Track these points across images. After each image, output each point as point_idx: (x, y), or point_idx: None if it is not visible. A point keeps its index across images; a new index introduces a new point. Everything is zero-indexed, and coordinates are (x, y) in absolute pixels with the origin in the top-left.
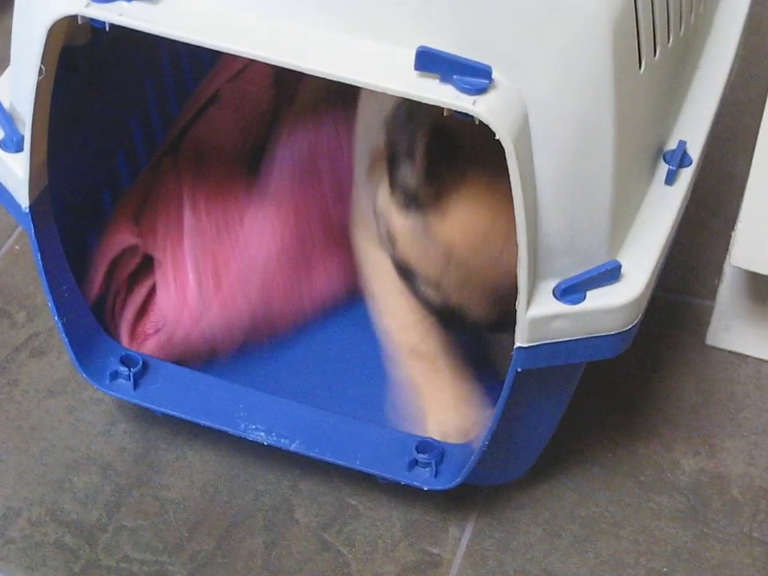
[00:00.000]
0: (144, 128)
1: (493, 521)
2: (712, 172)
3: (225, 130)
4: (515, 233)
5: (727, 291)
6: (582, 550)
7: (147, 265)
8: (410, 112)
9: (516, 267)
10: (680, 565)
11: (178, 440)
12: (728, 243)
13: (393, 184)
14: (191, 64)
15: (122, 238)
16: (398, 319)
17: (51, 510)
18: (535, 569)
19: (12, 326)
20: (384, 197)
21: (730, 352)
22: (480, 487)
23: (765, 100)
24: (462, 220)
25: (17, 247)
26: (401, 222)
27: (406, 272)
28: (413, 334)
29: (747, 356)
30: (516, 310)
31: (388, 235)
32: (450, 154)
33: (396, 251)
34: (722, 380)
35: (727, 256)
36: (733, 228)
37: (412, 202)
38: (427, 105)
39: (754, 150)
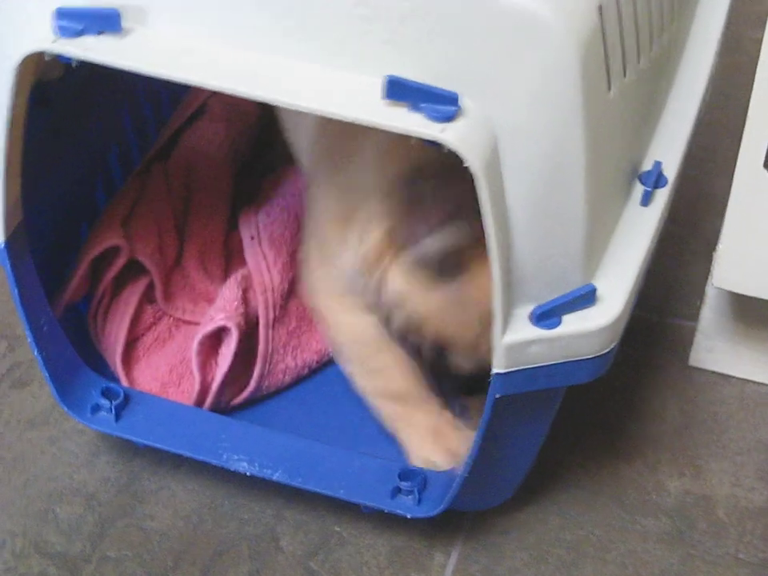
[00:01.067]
0: (122, 159)
1: (478, 546)
2: (692, 192)
3: (216, 142)
4: None
5: (709, 312)
6: (569, 574)
7: (133, 273)
8: (419, 194)
9: None
10: None
11: (162, 470)
12: (709, 263)
13: (414, 263)
14: (168, 92)
15: (105, 238)
16: (363, 365)
17: (35, 542)
18: None
19: None
20: (401, 282)
21: (714, 372)
22: (465, 513)
23: (743, 119)
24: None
25: None
26: (431, 299)
27: (439, 350)
28: (379, 378)
29: (731, 376)
30: None
31: (409, 321)
32: (467, 214)
33: (428, 332)
34: (705, 401)
35: (709, 277)
36: (714, 248)
37: (438, 274)
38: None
39: (733, 169)
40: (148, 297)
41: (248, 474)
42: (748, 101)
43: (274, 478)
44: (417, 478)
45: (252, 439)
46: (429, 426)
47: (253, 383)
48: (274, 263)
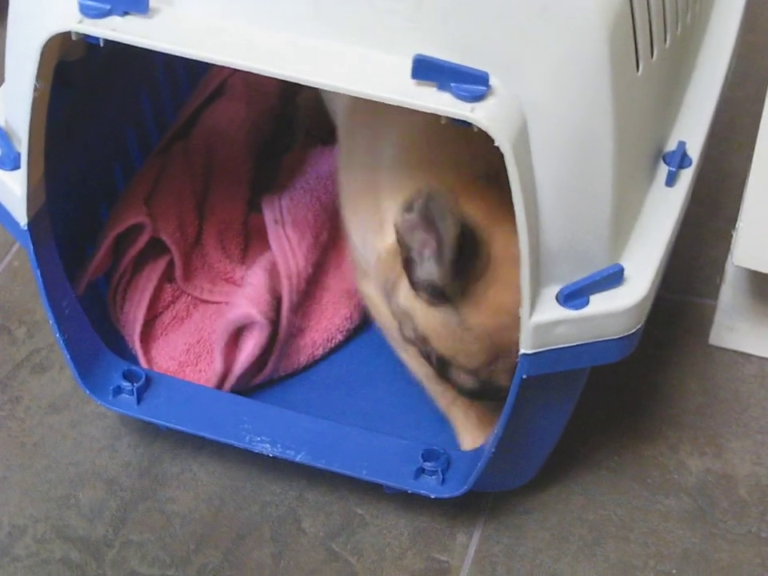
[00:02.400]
0: (141, 140)
1: (500, 526)
2: (711, 170)
3: (236, 122)
4: None
5: (729, 290)
6: (591, 554)
7: (154, 251)
8: (425, 214)
9: None
10: (689, 567)
11: (183, 453)
12: (729, 242)
13: (415, 284)
14: (187, 74)
15: (129, 215)
16: (403, 350)
17: (57, 527)
18: (544, 574)
19: (12, 343)
20: (406, 297)
21: (734, 351)
22: (486, 493)
23: (763, 97)
24: (494, 306)
25: (15, 263)
26: (431, 319)
27: (441, 362)
28: (421, 363)
29: (751, 355)
30: None
31: (416, 333)
32: (474, 246)
33: (429, 347)
34: (726, 380)
35: (729, 255)
36: (733, 226)
37: (440, 298)
38: (444, 201)
39: (752, 147)
40: (167, 275)
41: (271, 455)
42: (766, 79)
43: (297, 459)
44: (440, 458)
45: (274, 421)
46: (477, 413)
47: (270, 365)
48: (298, 246)
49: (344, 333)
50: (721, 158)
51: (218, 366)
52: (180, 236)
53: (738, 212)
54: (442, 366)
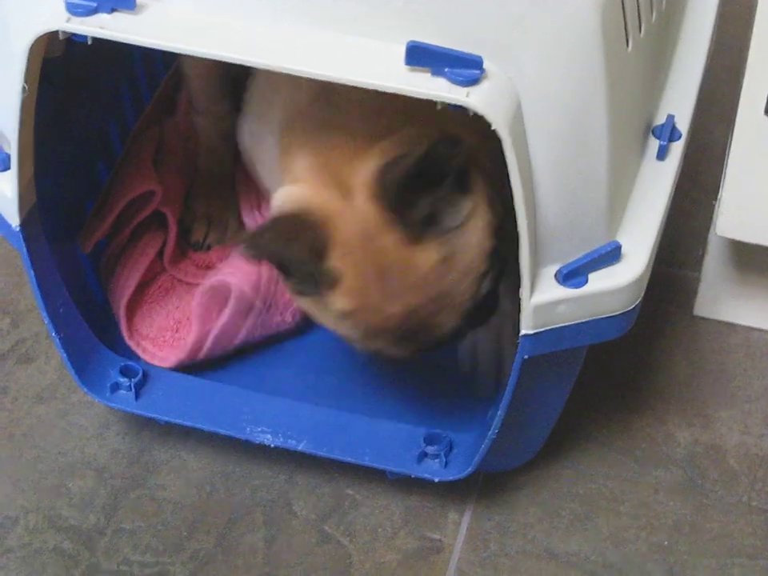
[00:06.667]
0: (123, 136)
1: (492, 503)
2: (690, 141)
3: None
4: (407, 287)
5: (712, 261)
6: (583, 527)
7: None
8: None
9: (413, 311)
10: (681, 538)
11: (172, 439)
12: (710, 212)
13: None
14: (165, 65)
15: (142, 181)
16: None
17: (48, 517)
18: (537, 549)
19: None
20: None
21: (719, 322)
22: (477, 471)
23: (740, 67)
24: (349, 289)
25: None
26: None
27: None
28: None
29: (736, 325)
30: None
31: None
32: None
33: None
34: (712, 350)
35: (711, 226)
36: (714, 197)
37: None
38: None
39: (731, 118)
40: (159, 250)
41: (272, 446)
42: (743, 49)
43: (300, 448)
44: (443, 442)
45: (275, 411)
46: None
47: (244, 330)
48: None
49: None
50: (700, 129)
51: (194, 327)
52: (179, 213)
53: (718, 182)
54: None
